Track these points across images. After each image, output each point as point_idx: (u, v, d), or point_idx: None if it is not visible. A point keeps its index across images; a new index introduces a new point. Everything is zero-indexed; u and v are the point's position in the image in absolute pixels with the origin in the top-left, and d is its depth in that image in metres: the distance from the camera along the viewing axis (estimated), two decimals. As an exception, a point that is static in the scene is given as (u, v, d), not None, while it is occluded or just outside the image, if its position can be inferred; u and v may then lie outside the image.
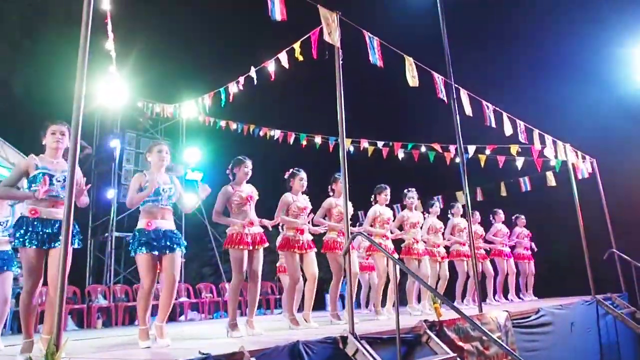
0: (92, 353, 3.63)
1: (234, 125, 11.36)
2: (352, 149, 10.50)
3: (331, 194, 5.95)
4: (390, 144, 10.67)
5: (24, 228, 3.56)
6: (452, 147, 10.17)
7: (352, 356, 3.42)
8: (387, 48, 5.35)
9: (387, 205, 6.59)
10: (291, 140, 10.98)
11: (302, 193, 5.54)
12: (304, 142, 11.06)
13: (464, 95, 6.46)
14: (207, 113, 11.08)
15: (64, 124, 3.83)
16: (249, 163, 4.84)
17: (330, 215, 5.86)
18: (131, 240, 4.02)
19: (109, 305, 9.66)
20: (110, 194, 12.01)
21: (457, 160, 9.89)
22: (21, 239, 3.54)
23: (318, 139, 11.08)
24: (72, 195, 2.53)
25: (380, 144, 10.70)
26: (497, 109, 7.13)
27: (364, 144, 10.69)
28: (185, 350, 3.28)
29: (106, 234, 11.82)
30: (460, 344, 4.39)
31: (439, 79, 6.15)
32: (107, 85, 9.98)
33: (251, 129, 11.24)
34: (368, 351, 3.40)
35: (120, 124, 12.44)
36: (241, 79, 8.87)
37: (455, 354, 4.02)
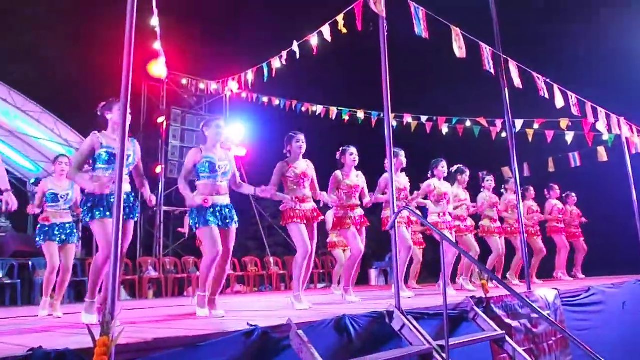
0: (147, 322, 3.74)
1: (276, 101, 11.38)
2: (395, 123, 10.36)
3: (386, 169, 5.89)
4: (434, 118, 10.48)
5: (92, 201, 3.72)
6: (498, 122, 9.89)
7: (398, 331, 3.43)
8: (433, 19, 5.21)
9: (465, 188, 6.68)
10: (333, 116, 10.92)
11: (355, 168, 5.51)
12: (346, 117, 10.99)
13: (512, 67, 6.23)
14: (250, 89, 11.14)
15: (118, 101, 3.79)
16: (300, 137, 4.83)
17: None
18: (191, 217, 4.09)
19: (159, 277, 10.04)
20: (158, 169, 12.33)
21: (504, 134, 9.68)
22: (93, 212, 3.69)
23: (360, 114, 10.98)
24: (122, 170, 2.59)
25: (423, 118, 10.52)
26: (548, 80, 6.85)
27: (407, 118, 10.54)
28: (235, 321, 3.36)
29: (155, 209, 12.19)
30: (508, 321, 4.33)
31: (486, 50, 5.95)
32: (153, 62, 10.18)
33: (293, 105, 11.24)
34: (415, 326, 3.40)
35: (165, 101, 12.67)
36: (284, 54, 8.85)
37: (503, 332, 3.98)
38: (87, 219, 3.73)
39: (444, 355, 3.21)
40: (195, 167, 4.13)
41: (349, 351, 3.08)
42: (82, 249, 9.68)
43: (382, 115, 10.16)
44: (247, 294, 10.44)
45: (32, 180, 12.25)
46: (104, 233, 3.67)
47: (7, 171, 12.15)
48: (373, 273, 12.18)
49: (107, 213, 3.68)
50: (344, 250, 7.78)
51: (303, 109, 11.15)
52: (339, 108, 10.99)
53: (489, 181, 7.48)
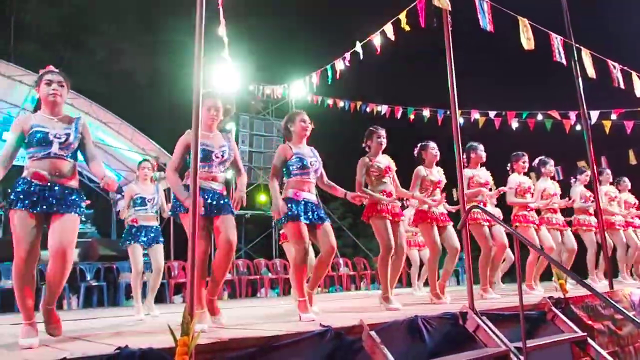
0: (226, 323, 3.79)
1: (341, 103, 11.43)
2: (462, 120, 10.12)
3: (465, 165, 5.68)
4: (503, 113, 10.14)
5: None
6: (572, 114, 9.43)
7: (472, 332, 3.35)
8: (499, 11, 5.05)
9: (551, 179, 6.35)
10: (399, 115, 10.83)
11: (436, 165, 5.39)
12: (412, 116, 10.86)
13: (586, 56, 5.92)
14: (315, 92, 11.26)
15: (218, 97, 3.79)
16: (382, 132, 4.75)
17: (468, 187, 5.59)
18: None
19: (232, 279, 10.35)
20: (229, 174, 12.71)
21: (578, 127, 9.21)
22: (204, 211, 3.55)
23: (426, 112, 10.82)
24: (196, 173, 2.69)
25: (492, 114, 10.21)
26: (625, 68, 6.45)
27: (475, 115, 10.26)
28: (308, 322, 3.40)
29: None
30: (590, 322, 4.12)
31: (556, 39, 5.69)
32: (221, 71, 10.49)
33: (358, 106, 11.24)
34: (490, 327, 3.31)
35: (234, 107, 13.03)
36: (347, 55, 8.87)
37: (585, 334, 3.79)
38: (179, 212, 3.59)
39: (521, 357, 3.11)
40: (285, 163, 4.03)
41: (422, 353, 3.04)
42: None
43: (448, 112, 9.97)
44: (317, 295, 10.52)
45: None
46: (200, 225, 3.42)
47: (91, 180, 12.94)
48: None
49: (202, 208, 3.53)
50: (420, 250, 7.66)
51: (368, 109, 11.13)
52: (404, 107, 10.88)
53: (587, 175, 7.03)
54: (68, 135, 3.10)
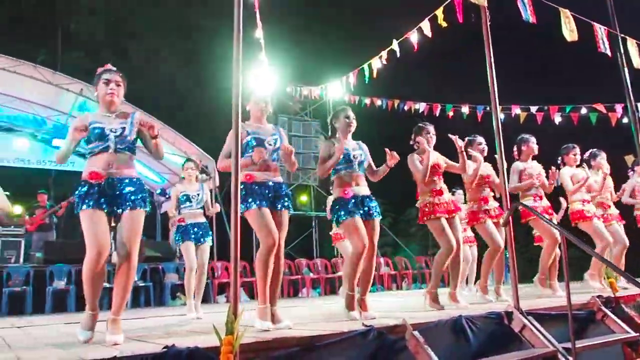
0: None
1: (378, 102, 11.37)
2: (502, 116, 9.91)
3: (517, 157, 5.60)
4: (546, 108, 9.88)
5: (244, 192, 3.52)
6: (618, 106, 9.09)
7: (518, 332, 3.28)
8: (539, 3, 4.92)
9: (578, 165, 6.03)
10: (437, 112, 10.70)
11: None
12: (451, 113, 10.71)
13: (631, 45, 5.69)
14: (352, 91, 11.24)
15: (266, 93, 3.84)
16: (430, 128, 4.67)
17: (520, 180, 5.48)
18: (332, 210, 3.99)
19: (274, 279, 10.44)
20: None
21: (625, 120, 8.86)
22: (248, 202, 3.48)
23: (465, 109, 10.64)
24: (237, 170, 2.74)
25: (533, 109, 9.96)
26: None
27: (516, 110, 10.04)
28: (350, 322, 3.41)
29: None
30: (643, 322, 3.97)
31: (600, 30, 5.49)
32: (258, 73, 10.61)
33: (396, 104, 11.16)
34: (537, 327, 3.24)
35: (272, 109, 13.17)
36: (384, 53, 8.83)
37: (638, 334, 3.65)
38: (242, 209, 3.49)
39: (570, 358, 3.02)
40: (330, 157, 3.97)
41: (466, 353, 3.00)
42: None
43: (488, 108, 9.78)
44: (380, 292, 10.52)
45: (158, 191, 13.37)
46: (260, 222, 3.44)
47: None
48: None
49: (264, 202, 3.49)
50: (470, 247, 7.51)
51: (405, 108, 11.04)
52: (443, 104, 10.74)
53: None
54: (124, 129, 3.21)
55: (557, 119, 9.81)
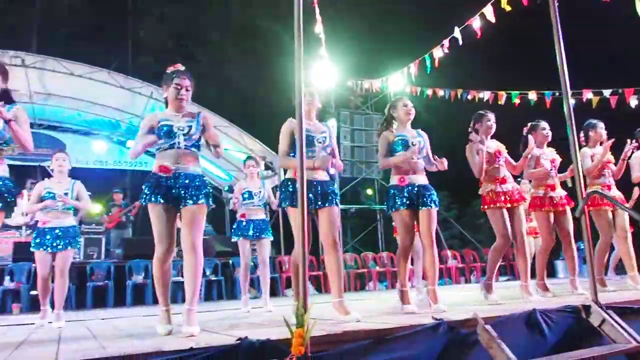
0: (337, 316, 3.87)
1: (440, 92, 11.14)
2: (573, 101, 9.43)
3: (584, 144, 5.38)
4: (620, 91, 9.31)
5: (291, 189, 3.66)
6: None
7: (597, 327, 3.13)
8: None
9: None
10: (502, 100, 10.34)
11: (547, 145, 5.08)
12: (517, 101, 10.32)
13: None
14: (413, 82, 11.08)
15: (313, 87, 3.93)
16: (490, 116, 4.56)
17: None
18: (387, 197, 4.01)
19: (340, 272, 10.51)
20: (332, 170, 12.91)
21: None
22: (292, 200, 3.61)
23: (532, 95, 10.21)
24: (302, 166, 2.77)
25: (606, 92, 9.42)
26: None
27: (587, 94, 9.53)
28: (420, 315, 3.38)
29: (332, 207, 12.80)
30: None
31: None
32: (319, 68, 10.68)
33: (459, 94, 10.89)
34: (618, 322, 3.08)
35: (334, 104, 13.24)
36: (445, 42, 8.64)
37: None
38: (285, 205, 3.69)
39: (656, 355, 2.86)
40: (389, 145, 4.04)
41: (541, 347, 2.90)
42: (271, 247, 10.52)
43: (557, 94, 9.34)
44: (425, 287, 10.37)
45: (226, 188, 13.75)
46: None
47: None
48: (560, 265, 11.22)
49: (309, 199, 3.60)
50: (535, 238, 7.24)
51: (469, 97, 10.74)
52: (508, 92, 10.36)
53: None
54: (190, 127, 3.34)
55: (634, 102, 9.24)
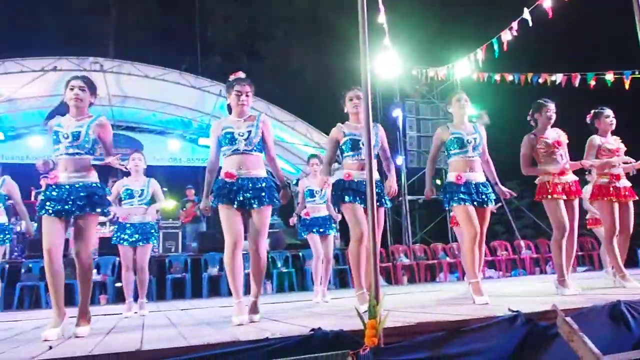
0: (408, 307, 3.88)
1: (509, 77, 10.71)
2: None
3: None
4: None
5: (341, 187, 3.94)
6: None
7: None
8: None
9: None
10: (576, 83, 9.81)
11: (612, 134, 4.82)
12: (592, 82, 9.75)
13: None
14: (480, 68, 10.73)
15: (358, 89, 4.01)
16: (551, 106, 4.39)
17: None
18: (444, 194, 4.02)
19: (411, 263, 10.46)
20: (399, 160, 12.81)
21: None
22: (345, 196, 3.89)
23: (609, 76, 9.61)
24: (371, 157, 2.78)
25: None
26: None
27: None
28: (495, 306, 3.31)
29: (400, 198, 12.71)
30: None
31: None
32: (383, 58, 10.58)
33: (529, 78, 10.43)
34: None
35: (399, 94, 13.09)
36: (514, 24, 8.32)
37: None
38: (337, 206, 4.05)
39: None
40: (443, 143, 4.06)
41: (627, 341, 2.75)
42: (341, 239, 10.60)
43: (637, 72, 8.76)
44: (499, 278, 10.12)
45: (294, 182, 13.96)
46: (352, 216, 3.88)
47: (273, 176, 14.16)
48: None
49: (357, 199, 3.88)
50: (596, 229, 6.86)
51: (540, 80, 10.27)
52: (583, 73, 9.81)
53: None
54: (250, 131, 3.56)
55: None
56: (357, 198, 3.88)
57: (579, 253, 10.96)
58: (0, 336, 3.56)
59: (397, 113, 13.03)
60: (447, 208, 4.08)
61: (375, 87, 13.08)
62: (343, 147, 4.04)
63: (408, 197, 12.68)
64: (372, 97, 2.95)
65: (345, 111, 4.16)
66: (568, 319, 2.52)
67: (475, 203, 3.89)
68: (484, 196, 3.92)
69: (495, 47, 9.02)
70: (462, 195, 3.86)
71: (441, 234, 13.98)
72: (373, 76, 12.42)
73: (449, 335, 2.44)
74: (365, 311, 2.44)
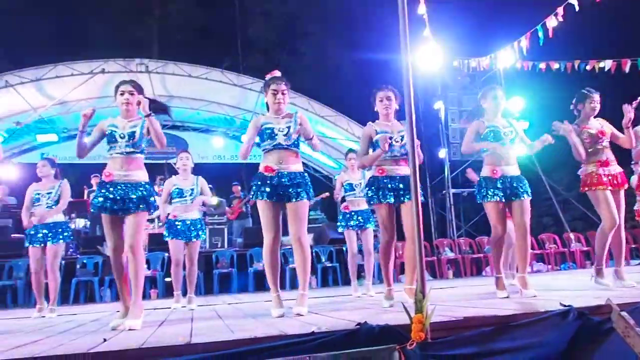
0: (454, 301, 3.86)
1: (555, 65, 10.38)
2: None
3: None
4: None
5: (375, 186, 4.03)
6: None
7: None
8: None
9: None
10: (627, 69, 9.41)
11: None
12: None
13: None
14: (525, 57, 10.44)
15: (389, 89, 4.13)
16: (595, 96, 4.27)
17: None
18: (477, 189, 4.05)
19: (456, 257, 10.33)
20: (442, 153, 12.64)
21: None
22: (375, 197, 4.00)
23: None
24: (414, 153, 2.75)
25: None
26: None
27: None
28: (545, 301, 3.23)
29: (443, 191, 12.55)
30: None
31: None
32: (424, 50, 10.44)
33: (576, 65, 10.08)
34: None
35: (440, 86, 12.89)
36: (559, 10, 8.07)
37: None
38: (374, 202, 4.04)
39: None
40: (479, 135, 4.04)
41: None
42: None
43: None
44: (548, 272, 9.86)
45: (336, 177, 14.03)
46: (385, 218, 3.99)
47: (316, 170, 14.19)
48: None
49: (390, 197, 3.95)
50: None
51: (588, 67, 9.91)
52: (633, 58, 9.40)
53: None
54: (289, 127, 3.67)
55: None
56: (390, 196, 3.96)
57: (632, 245, 10.54)
58: (60, 328, 3.73)
59: (438, 105, 12.83)
60: (480, 202, 4.07)
61: (415, 80, 12.91)
62: (375, 144, 4.08)
63: (452, 190, 12.49)
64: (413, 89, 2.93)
65: (375, 110, 4.21)
66: (624, 313, 2.44)
67: (512, 197, 3.90)
68: (520, 189, 3.91)
69: (540, 34, 8.79)
70: (495, 191, 3.89)
71: (487, 227, 13.65)
72: (413, 68, 12.26)
73: (497, 330, 2.40)
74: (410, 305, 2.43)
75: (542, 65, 10.57)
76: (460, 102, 13.08)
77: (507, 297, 3.74)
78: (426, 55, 10.69)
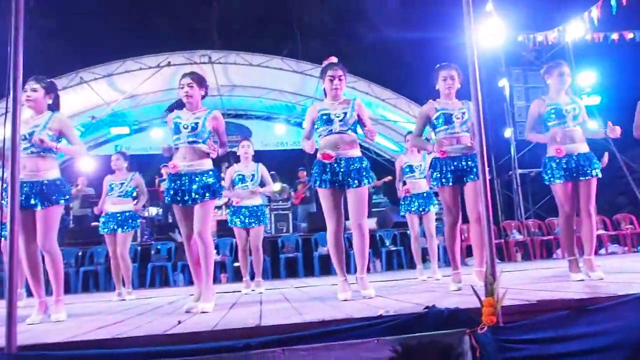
0: (528, 284, 3.79)
1: (629, 35, 9.75)
2: None
3: None
4: None
5: (439, 169, 3.99)
6: None
7: None
8: None
9: None
10: None
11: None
12: None
13: None
14: (596, 28, 9.86)
15: (452, 68, 4.06)
16: None
17: None
18: (543, 170, 3.96)
19: (524, 239, 10.03)
20: (507, 132, 12.22)
21: None
22: (438, 179, 3.98)
23: None
24: (481, 133, 2.68)
25: None
26: None
27: None
28: (617, 284, 3.10)
29: (510, 172, 12.16)
30: None
31: None
32: (487, 25, 10.09)
33: (653, 34, 9.44)
34: None
35: (504, 62, 12.42)
36: (637, -25, 7.57)
37: None
38: (437, 184, 4.01)
39: None
40: (540, 116, 3.96)
41: None
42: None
43: None
44: (624, 254, 9.38)
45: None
46: (448, 200, 3.97)
47: (378, 154, 14.16)
48: None
49: (452, 179, 3.93)
50: None
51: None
52: None
53: None
54: (345, 113, 3.72)
55: None
56: (452, 178, 3.92)
57: None
58: (138, 311, 3.96)
59: (503, 83, 12.37)
60: (546, 183, 3.93)
61: (478, 57, 12.50)
62: (435, 121, 4.05)
63: (519, 171, 12.05)
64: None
65: (437, 88, 4.14)
66: None
67: (579, 176, 3.77)
68: (587, 168, 3.78)
69: (613, 2, 8.27)
70: (561, 172, 3.78)
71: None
72: (477, 46, 11.87)
73: (574, 314, 2.32)
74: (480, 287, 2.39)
75: (615, 36, 9.97)
76: (526, 79, 12.54)
77: (582, 280, 3.62)
78: (489, 31, 10.34)
